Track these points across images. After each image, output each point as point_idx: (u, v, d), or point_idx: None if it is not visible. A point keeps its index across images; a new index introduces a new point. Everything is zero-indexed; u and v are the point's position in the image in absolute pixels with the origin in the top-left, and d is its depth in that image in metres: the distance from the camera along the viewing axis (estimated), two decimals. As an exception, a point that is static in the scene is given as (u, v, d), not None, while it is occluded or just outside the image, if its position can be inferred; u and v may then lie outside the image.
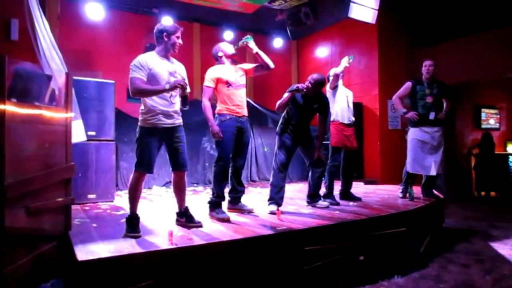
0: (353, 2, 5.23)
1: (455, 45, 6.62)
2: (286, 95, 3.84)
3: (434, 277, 3.39)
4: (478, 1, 6.41)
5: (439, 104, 4.53)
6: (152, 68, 2.86)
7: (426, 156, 4.52)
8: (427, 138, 4.51)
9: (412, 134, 4.62)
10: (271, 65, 3.64)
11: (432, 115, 4.47)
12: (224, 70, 3.60)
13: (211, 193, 3.61)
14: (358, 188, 5.83)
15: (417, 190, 4.76)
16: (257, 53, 3.58)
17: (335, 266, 3.07)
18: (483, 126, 9.05)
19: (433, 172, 4.49)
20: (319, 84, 3.88)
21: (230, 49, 3.66)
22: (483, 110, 9.15)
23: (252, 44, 3.55)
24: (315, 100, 3.95)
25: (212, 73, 3.57)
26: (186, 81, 2.98)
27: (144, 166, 2.88)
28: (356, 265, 3.22)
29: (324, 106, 4.02)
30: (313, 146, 4.02)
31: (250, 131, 3.81)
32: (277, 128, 4.05)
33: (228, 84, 3.55)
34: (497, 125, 9.42)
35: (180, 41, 2.99)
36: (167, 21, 6.22)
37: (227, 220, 3.30)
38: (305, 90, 3.77)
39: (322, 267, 2.98)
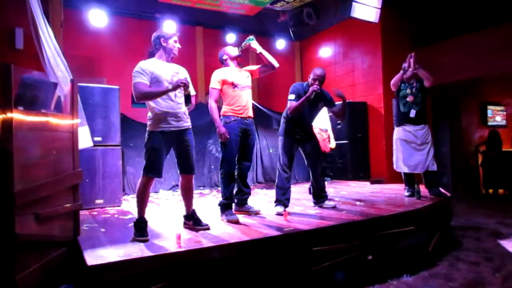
0: (356, 2, 5.23)
1: (460, 42, 6.58)
2: (292, 97, 3.87)
3: (444, 275, 3.37)
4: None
5: (422, 102, 4.58)
6: (153, 71, 2.89)
7: (412, 155, 4.58)
8: (410, 137, 4.58)
9: (396, 134, 4.74)
10: (276, 64, 3.68)
11: (413, 113, 4.55)
12: (230, 72, 3.63)
13: (220, 195, 3.63)
14: (364, 187, 5.82)
15: (424, 188, 4.74)
16: (261, 53, 3.61)
17: (343, 266, 3.06)
18: (489, 123, 8.99)
19: (420, 170, 4.54)
20: (324, 78, 3.93)
21: (234, 52, 3.69)
22: (489, 107, 9.08)
23: (255, 44, 3.59)
24: (319, 98, 3.96)
25: (218, 75, 3.61)
26: (190, 81, 3.00)
27: (153, 170, 2.89)
28: (364, 265, 3.21)
29: (328, 101, 4.05)
30: (315, 145, 4.03)
31: (256, 133, 3.85)
32: (280, 129, 4.06)
33: (233, 85, 3.58)
34: (504, 122, 9.35)
35: (178, 45, 3.03)
36: (169, 25, 6.27)
37: (236, 222, 3.33)
38: (319, 90, 3.80)
39: (330, 268, 2.97)
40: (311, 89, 3.78)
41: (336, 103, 4.11)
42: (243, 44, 3.63)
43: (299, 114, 3.93)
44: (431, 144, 4.55)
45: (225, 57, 3.71)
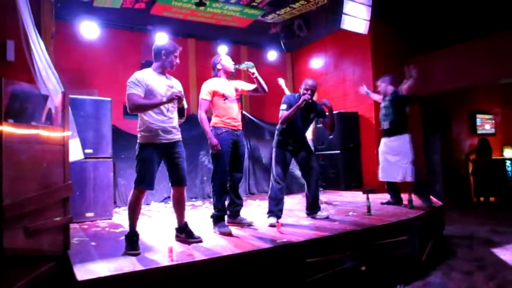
0: (345, 14, 5.29)
1: (449, 52, 6.69)
2: (284, 107, 3.92)
3: (438, 285, 3.37)
4: (470, 8, 6.50)
5: (395, 112, 4.71)
6: (149, 84, 2.89)
7: (391, 165, 4.73)
8: (386, 148, 4.79)
9: (379, 146, 4.96)
10: (266, 89, 3.73)
11: (384, 125, 4.81)
12: (220, 84, 3.64)
13: (212, 207, 3.60)
14: (357, 197, 5.82)
15: (416, 197, 4.75)
16: (256, 77, 3.63)
17: (337, 277, 3.04)
18: (478, 132, 9.11)
19: (399, 179, 4.64)
20: (315, 88, 3.98)
21: (230, 66, 3.69)
22: (478, 115, 9.22)
23: (253, 70, 3.59)
24: (310, 109, 4.01)
25: (209, 86, 3.61)
26: (183, 94, 3.01)
27: (144, 182, 2.88)
28: (358, 276, 3.20)
29: (320, 112, 4.09)
30: (309, 156, 4.03)
31: (247, 144, 3.83)
32: (274, 140, 4.07)
33: (224, 97, 3.59)
34: (493, 130, 9.48)
35: (177, 60, 3.04)
36: (162, 37, 6.29)
37: (229, 234, 3.30)
38: (310, 100, 3.85)
39: (324, 279, 2.96)
40: (302, 98, 3.82)
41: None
42: (241, 67, 3.62)
43: (292, 126, 3.95)
44: (408, 154, 4.58)
45: (219, 66, 3.71)
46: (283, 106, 3.93)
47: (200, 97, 3.61)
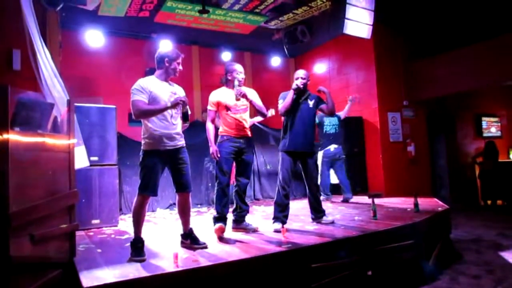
0: (348, 19, 5.31)
1: (453, 56, 6.68)
2: (281, 101, 4.01)
3: (445, 289, 3.33)
4: (473, 12, 6.49)
5: None
6: (152, 91, 2.92)
7: None
8: None
9: None
10: (265, 113, 3.85)
11: None
12: (225, 94, 3.71)
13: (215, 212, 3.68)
14: (362, 201, 5.80)
15: (422, 201, 4.73)
16: (251, 102, 3.69)
17: (343, 282, 3.02)
18: (484, 135, 9.05)
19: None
20: (306, 76, 4.09)
21: (236, 87, 3.62)
22: (483, 118, 9.17)
23: (240, 98, 3.57)
24: (307, 97, 4.07)
25: (213, 97, 3.73)
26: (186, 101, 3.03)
27: (148, 189, 2.89)
28: (364, 281, 3.18)
29: (318, 100, 4.12)
30: (314, 160, 4.06)
31: (253, 151, 3.84)
32: (280, 145, 4.08)
33: (227, 108, 3.67)
34: (499, 133, 9.41)
35: (180, 67, 3.07)
36: (166, 45, 6.34)
37: (220, 229, 3.46)
38: (302, 85, 3.98)
39: (330, 284, 2.94)
40: (293, 84, 3.96)
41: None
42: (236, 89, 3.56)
43: (297, 129, 3.95)
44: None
45: (229, 77, 3.69)
46: (280, 101, 4.04)
47: (207, 107, 3.75)
